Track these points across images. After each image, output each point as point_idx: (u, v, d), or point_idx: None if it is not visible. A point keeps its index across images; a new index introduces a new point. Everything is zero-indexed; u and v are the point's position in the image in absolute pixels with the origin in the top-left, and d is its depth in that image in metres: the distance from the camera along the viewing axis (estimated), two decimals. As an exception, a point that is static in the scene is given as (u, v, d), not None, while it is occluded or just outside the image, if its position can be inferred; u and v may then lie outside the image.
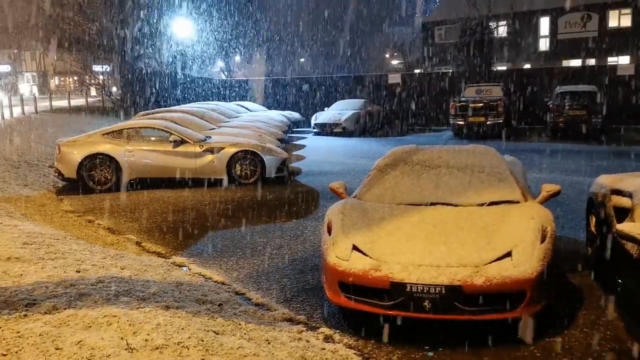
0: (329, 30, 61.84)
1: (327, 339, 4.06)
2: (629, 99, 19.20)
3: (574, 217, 7.25)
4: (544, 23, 33.92)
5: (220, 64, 38.80)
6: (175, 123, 11.79)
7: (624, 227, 4.27)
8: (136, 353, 3.12)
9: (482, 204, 4.86)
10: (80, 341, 3.18)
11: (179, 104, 22.40)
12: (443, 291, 3.85)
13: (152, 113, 15.14)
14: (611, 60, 30.31)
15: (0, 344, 3.13)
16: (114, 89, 30.08)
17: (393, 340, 4.03)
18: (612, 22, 31.71)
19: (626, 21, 31.30)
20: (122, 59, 26.12)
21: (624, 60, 29.90)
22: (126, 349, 3.14)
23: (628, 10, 31.02)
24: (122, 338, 3.28)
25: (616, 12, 31.44)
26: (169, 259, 6.20)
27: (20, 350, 3.07)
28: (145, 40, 26.43)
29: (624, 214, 4.76)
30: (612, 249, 4.69)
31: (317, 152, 15.51)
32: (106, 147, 10.36)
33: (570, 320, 4.30)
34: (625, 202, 4.83)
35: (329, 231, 4.62)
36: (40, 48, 47.79)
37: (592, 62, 30.98)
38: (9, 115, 19.04)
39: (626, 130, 18.13)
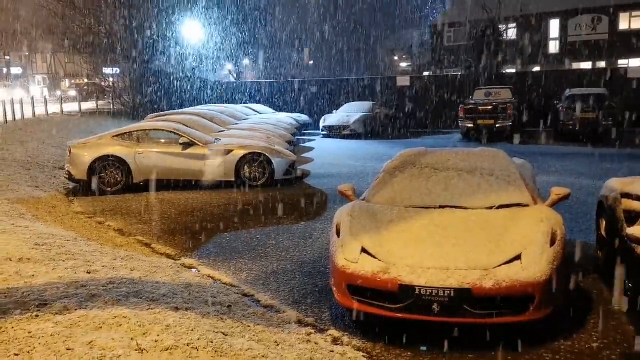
0: (338, 32, 61.94)
1: (336, 341, 4.07)
2: (640, 102, 19.07)
3: (584, 221, 7.21)
4: (554, 25, 33.76)
5: (229, 66, 38.92)
6: (185, 125, 11.86)
7: (635, 230, 4.25)
8: (146, 354, 3.14)
9: (491, 207, 4.84)
10: (91, 342, 3.21)
11: (188, 106, 22.50)
12: (452, 294, 3.85)
13: (162, 115, 15.23)
14: (622, 62, 30.10)
15: (12, 344, 3.17)
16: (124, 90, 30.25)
17: (401, 343, 4.03)
18: (623, 25, 31.52)
19: (637, 23, 31.10)
20: (133, 62, 26.29)
21: (635, 62, 29.66)
22: (136, 350, 3.17)
23: (639, 13, 30.82)
24: (132, 339, 3.31)
25: (627, 14, 31.26)
26: (178, 260, 6.24)
27: (32, 350, 3.10)
28: (156, 42, 26.59)
29: (634, 217, 4.74)
30: (622, 252, 4.67)
31: (325, 154, 15.50)
32: (116, 149, 10.44)
33: (580, 324, 4.28)
34: (635, 205, 4.81)
35: (338, 233, 4.62)
36: (50, 51, 48.24)
37: (602, 64, 30.80)
38: (20, 117, 19.23)
39: (637, 133, 17.98)
